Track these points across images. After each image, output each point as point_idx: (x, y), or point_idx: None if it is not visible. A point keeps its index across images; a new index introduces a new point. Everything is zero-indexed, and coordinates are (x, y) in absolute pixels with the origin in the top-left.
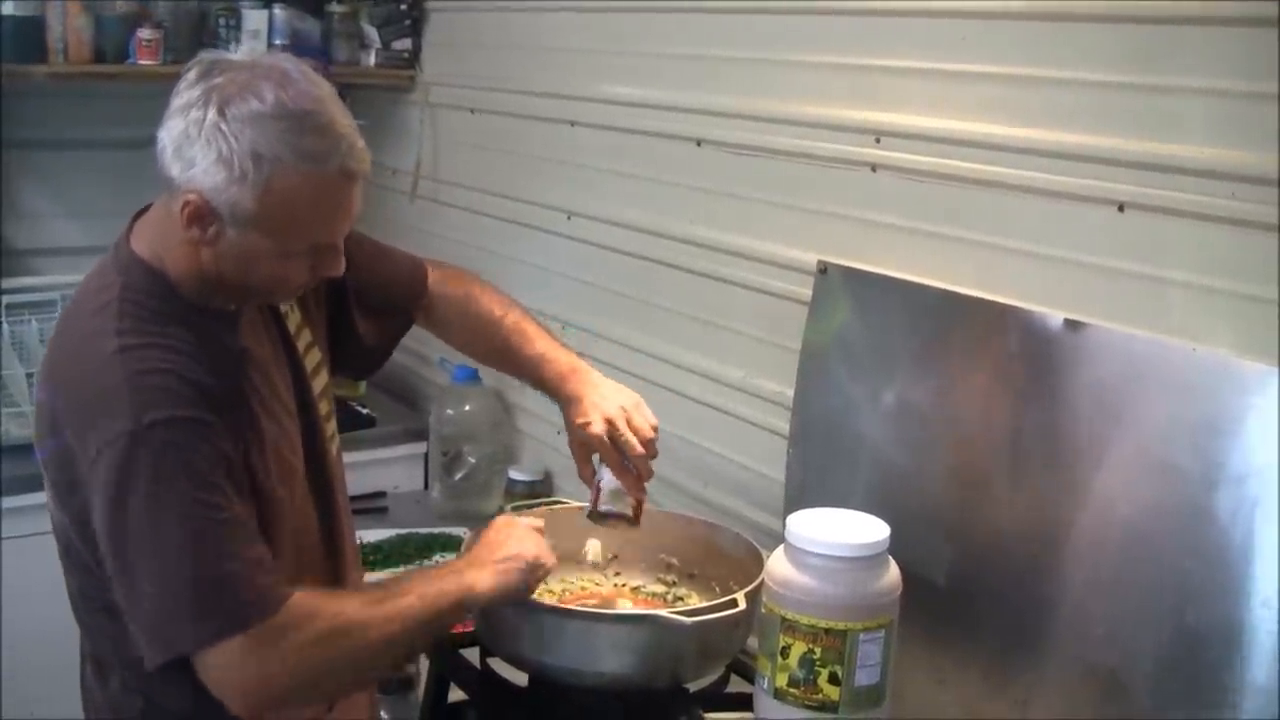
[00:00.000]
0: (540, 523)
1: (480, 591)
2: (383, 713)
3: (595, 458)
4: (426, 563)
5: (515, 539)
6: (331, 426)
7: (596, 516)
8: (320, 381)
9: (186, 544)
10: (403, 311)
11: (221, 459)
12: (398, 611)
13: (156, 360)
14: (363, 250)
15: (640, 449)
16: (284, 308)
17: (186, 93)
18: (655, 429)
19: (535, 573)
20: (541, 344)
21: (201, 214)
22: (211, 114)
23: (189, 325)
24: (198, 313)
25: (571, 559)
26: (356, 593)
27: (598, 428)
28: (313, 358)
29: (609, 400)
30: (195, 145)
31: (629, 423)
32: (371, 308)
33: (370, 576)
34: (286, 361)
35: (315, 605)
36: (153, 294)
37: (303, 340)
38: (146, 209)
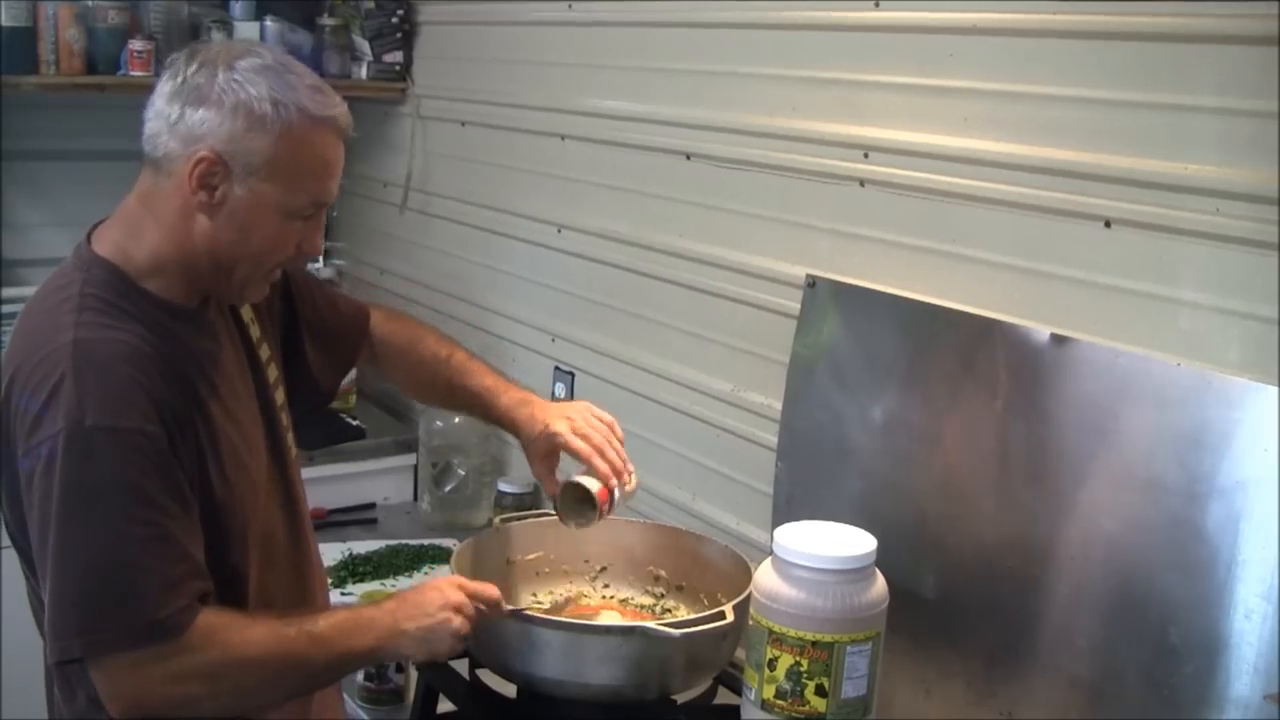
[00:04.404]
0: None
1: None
2: None
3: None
4: (417, 575)
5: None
6: (290, 439)
7: (570, 499)
8: (280, 395)
9: (103, 553)
10: (348, 345)
11: (159, 471)
12: (296, 657)
13: (110, 359)
14: (309, 283)
15: (607, 427)
16: (245, 318)
17: (183, 70)
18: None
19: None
20: (490, 378)
21: (213, 171)
22: (221, 72)
23: (149, 323)
24: (160, 310)
25: (560, 571)
26: (268, 623)
27: (561, 425)
28: (272, 371)
29: (562, 409)
30: (206, 104)
31: (588, 419)
32: (320, 338)
33: (360, 588)
34: (249, 369)
35: (216, 635)
36: (114, 290)
37: (263, 352)
38: (102, 222)
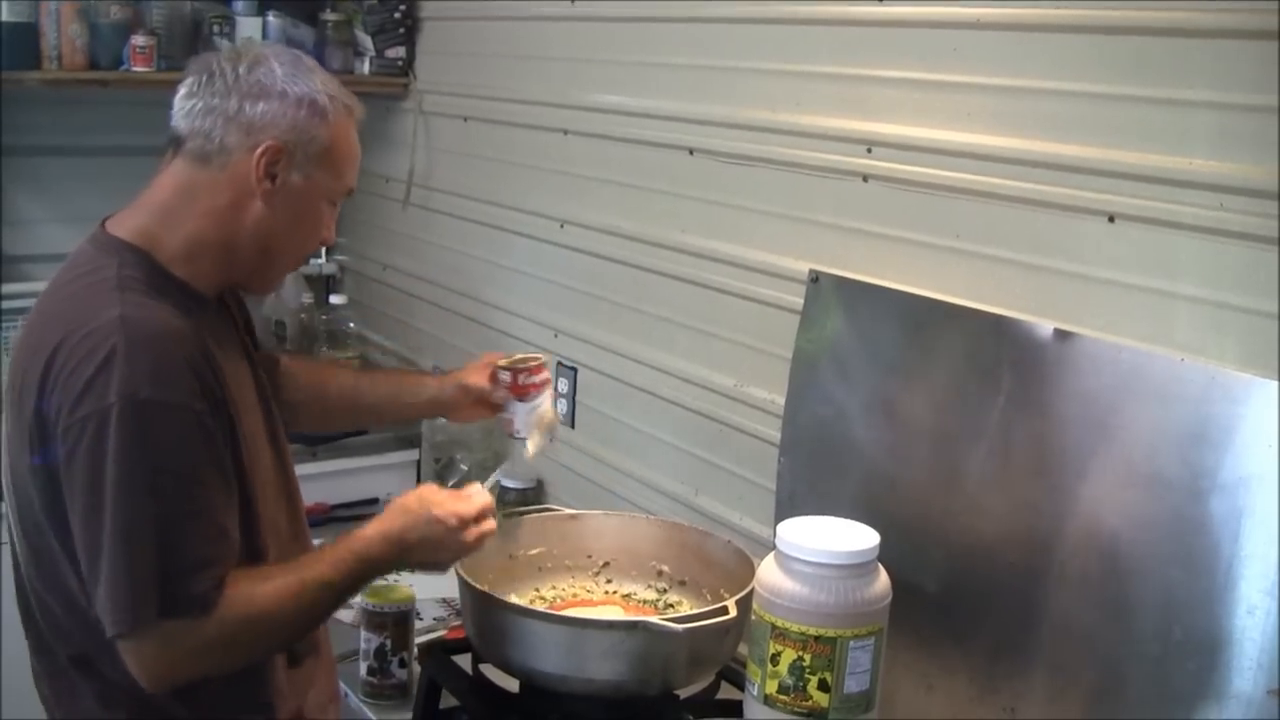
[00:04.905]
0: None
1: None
2: (373, 716)
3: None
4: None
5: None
6: (284, 433)
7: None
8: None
9: (152, 527)
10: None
11: (205, 446)
12: (312, 610)
13: (158, 336)
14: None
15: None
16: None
17: (227, 70)
18: None
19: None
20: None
21: (276, 159)
22: (279, 68)
23: (180, 307)
24: (185, 295)
25: (563, 566)
26: (284, 581)
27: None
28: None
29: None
30: (268, 97)
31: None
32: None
33: None
34: (246, 360)
35: (238, 608)
36: (147, 273)
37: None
38: (112, 215)
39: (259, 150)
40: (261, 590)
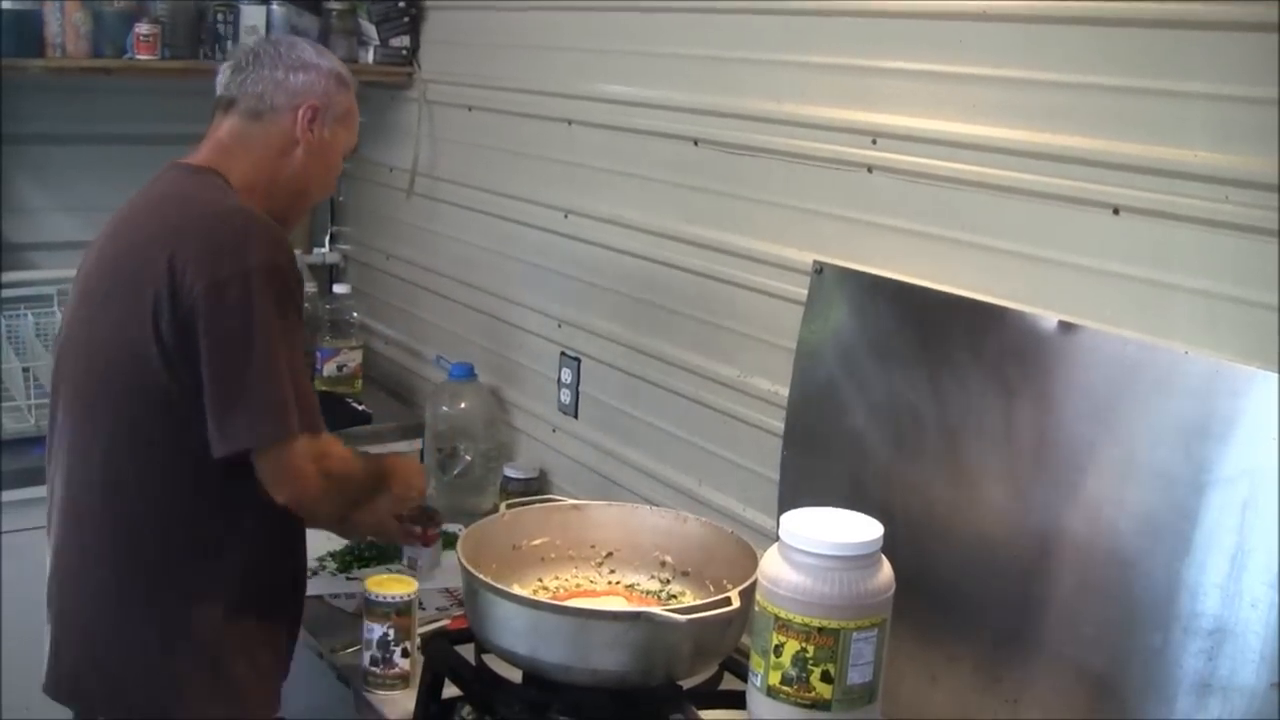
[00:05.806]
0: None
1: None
2: (376, 706)
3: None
4: None
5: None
6: None
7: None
8: None
9: (284, 359)
10: None
11: (302, 312)
12: (358, 486)
13: (269, 224)
14: None
15: None
16: None
17: (270, 50)
18: None
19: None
20: None
21: (317, 115)
22: (310, 47)
23: None
24: None
25: (566, 557)
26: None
27: None
28: None
29: None
30: (307, 69)
31: None
32: None
33: (365, 573)
34: None
35: (336, 444)
36: (230, 189)
37: None
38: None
39: (302, 109)
40: (346, 452)
